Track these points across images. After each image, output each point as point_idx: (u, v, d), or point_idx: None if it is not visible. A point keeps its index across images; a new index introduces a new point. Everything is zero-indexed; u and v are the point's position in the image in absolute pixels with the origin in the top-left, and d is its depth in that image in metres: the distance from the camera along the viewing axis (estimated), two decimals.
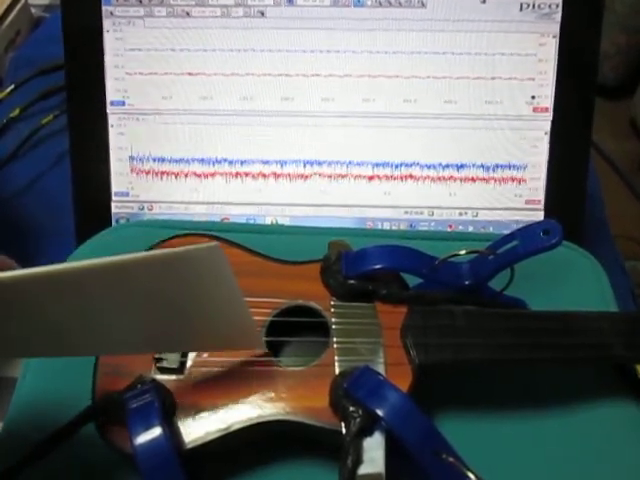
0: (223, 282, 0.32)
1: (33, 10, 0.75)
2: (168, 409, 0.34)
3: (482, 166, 0.50)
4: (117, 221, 0.52)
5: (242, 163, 0.51)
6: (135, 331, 0.33)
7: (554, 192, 0.50)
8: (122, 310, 0.31)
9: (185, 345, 0.37)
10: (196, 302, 0.33)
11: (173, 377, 0.37)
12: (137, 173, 0.51)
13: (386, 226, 0.51)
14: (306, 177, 0.51)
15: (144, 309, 0.32)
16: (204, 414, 0.35)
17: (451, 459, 0.32)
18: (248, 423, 0.35)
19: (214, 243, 0.30)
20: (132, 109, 0.51)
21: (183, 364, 0.37)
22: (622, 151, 1.34)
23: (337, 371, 0.36)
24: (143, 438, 0.32)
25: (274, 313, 0.40)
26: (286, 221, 0.51)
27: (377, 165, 0.50)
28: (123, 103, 0.51)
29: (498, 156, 0.50)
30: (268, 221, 0.51)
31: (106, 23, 0.50)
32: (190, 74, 0.50)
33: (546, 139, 0.50)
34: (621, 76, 1.51)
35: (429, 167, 0.50)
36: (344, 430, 0.34)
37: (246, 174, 0.51)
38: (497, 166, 0.50)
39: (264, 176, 0.51)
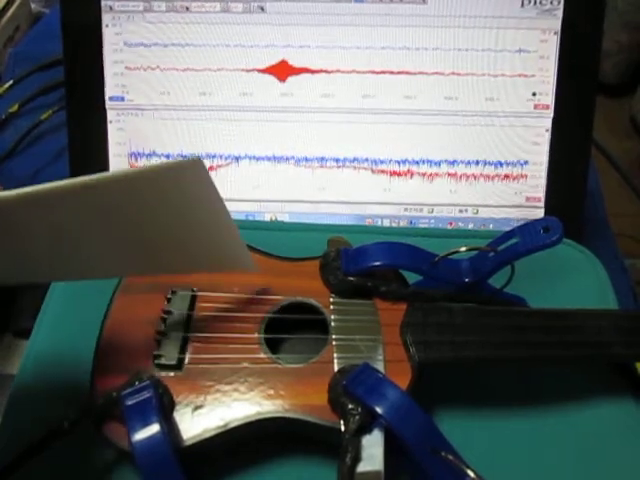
0: (208, 197, 0.31)
1: (32, 5, 0.75)
2: (166, 406, 0.34)
3: (482, 163, 0.50)
4: None
5: (241, 159, 0.51)
6: (121, 251, 0.32)
7: (555, 190, 0.50)
8: (106, 230, 0.30)
9: (173, 266, 0.36)
10: (181, 218, 0.32)
11: (171, 374, 0.36)
12: None
13: (386, 223, 0.51)
14: (305, 173, 0.51)
15: (129, 227, 0.31)
16: (202, 411, 0.35)
17: (450, 457, 0.32)
18: (246, 420, 0.34)
19: (196, 157, 0.30)
20: (131, 104, 0.50)
21: (181, 361, 0.37)
22: (622, 149, 1.34)
23: (336, 368, 0.36)
24: (141, 435, 0.32)
25: (273, 310, 0.40)
26: (285, 218, 0.51)
27: (377, 162, 0.50)
28: (122, 98, 0.50)
29: (499, 153, 0.50)
30: (267, 218, 0.51)
31: (105, 18, 0.50)
32: (189, 69, 0.50)
33: (547, 136, 0.50)
34: (622, 74, 1.51)
35: (429, 164, 0.50)
36: (343, 427, 0.33)
37: (245, 170, 0.51)
38: (498, 163, 0.50)
39: (263, 172, 0.51)
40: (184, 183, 0.30)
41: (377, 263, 0.40)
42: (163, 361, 0.37)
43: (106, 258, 0.33)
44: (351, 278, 0.40)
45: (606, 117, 1.32)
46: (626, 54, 1.47)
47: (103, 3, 0.49)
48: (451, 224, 0.51)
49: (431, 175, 0.50)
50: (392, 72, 0.49)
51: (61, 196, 0.28)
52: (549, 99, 0.49)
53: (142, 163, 0.51)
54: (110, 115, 0.51)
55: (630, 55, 1.48)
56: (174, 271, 0.38)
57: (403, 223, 0.51)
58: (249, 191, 0.51)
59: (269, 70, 0.50)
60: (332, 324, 0.39)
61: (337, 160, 0.50)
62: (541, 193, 0.50)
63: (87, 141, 0.51)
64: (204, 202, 0.32)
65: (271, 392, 0.36)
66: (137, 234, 0.32)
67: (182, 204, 0.31)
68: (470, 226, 0.51)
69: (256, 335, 0.38)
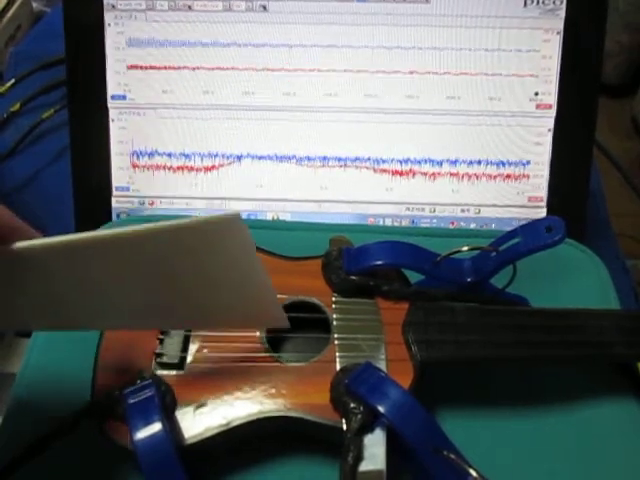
0: (245, 253, 0.31)
1: (34, 4, 0.75)
2: (168, 405, 0.34)
3: (485, 163, 0.50)
4: (118, 216, 0.52)
5: (243, 158, 0.51)
6: (154, 304, 0.33)
7: (557, 189, 0.50)
8: (139, 282, 0.31)
9: (205, 321, 0.36)
10: (217, 274, 0.32)
11: (173, 372, 0.36)
12: (138, 168, 0.51)
13: (388, 222, 0.51)
14: (308, 173, 0.51)
15: (162, 281, 0.31)
16: (204, 410, 0.35)
17: (452, 456, 0.32)
18: (248, 419, 0.34)
19: (235, 213, 0.29)
20: (133, 103, 0.50)
21: (183, 359, 0.37)
22: (624, 150, 1.34)
23: (338, 367, 0.36)
24: (143, 434, 0.32)
25: None
26: (287, 217, 0.51)
27: (379, 161, 0.50)
28: (124, 97, 0.50)
29: (501, 153, 0.50)
30: (269, 217, 0.51)
31: (107, 16, 0.50)
32: (191, 68, 0.50)
33: (549, 136, 0.50)
34: (623, 75, 1.51)
35: (431, 163, 0.50)
36: (345, 427, 0.33)
37: (247, 169, 0.51)
38: (500, 163, 0.50)
39: (265, 171, 0.51)
40: (222, 238, 0.30)
41: (379, 262, 0.40)
42: (165, 360, 0.37)
43: (137, 311, 0.33)
44: (353, 277, 0.40)
45: (607, 117, 1.32)
46: (627, 55, 1.47)
47: (105, 2, 0.49)
48: (453, 224, 0.51)
49: (433, 174, 0.50)
50: (394, 71, 0.49)
51: (94, 247, 0.28)
52: (552, 99, 0.49)
53: (144, 162, 0.51)
54: (112, 114, 0.51)
55: (631, 56, 1.48)
56: (203, 326, 0.38)
57: (405, 222, 0.51)
58: (251, 190, 0.51)
59: (271, 69, 0.50)
60: (334, 323, 0.39)
61: (339, 159, 0.50)
62: (543, 193, 0.50)
63: (89, 140, 0.51)
64: (240, 258, 0.32)
65: (273, 391, 0.35)
66: (170, 288, 0.32)
67: (218, 259, 0.31)
68: (472, 226, 0.51)
69: (258, 334, 0.38)
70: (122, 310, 0.33)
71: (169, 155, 0.51)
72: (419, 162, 0.50)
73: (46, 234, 0.30)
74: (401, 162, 0.50)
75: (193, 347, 0.38)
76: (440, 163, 0.50)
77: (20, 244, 0.28)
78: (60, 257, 0.29)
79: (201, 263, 0.31)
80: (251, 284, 0.33)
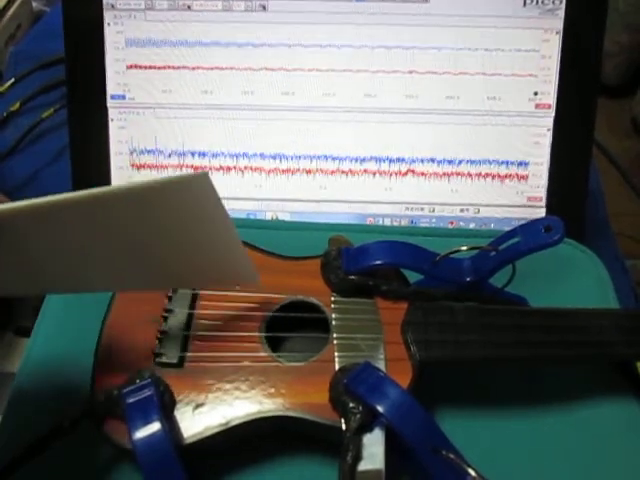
0: (214, 211, 0.32)
1: (34, 4, 0.75)
2: (167, 404, 0.34)
3: (484, 162, 0.50)
4: None
5: (242, 158, 0.51)
6: (123, 265, 0.33)
7: (556, 189, 0.50)
8: (109, 243, 0.31)
9: (176, 280, 0.36)
10: (186, 233, 0.32)
11: (172, 372, 0.36)
12: (137, 167, 0.51)
13: (387, 222, 0.51)
14: (307, 172, 0.51)
15: (133, 240, 0.31)
16: (203, 409, 0.35)
17: (451, 455, 0.32)
18: (247, 419, 0.34)
19: (204, 172, 0.30)
20: (132, 103, 0.50)
21: (182, 359, 0.37)
22: (623, 149, 1.34)
23: (337, 367, 0.36)
24: (142, 433, 0.32)
25: (274, 309, 0.40)
26: (286, 217, 0.51)
27: (378, 161, 0.50)
28: (123, 97, 0.50)
29: (500, 152, 0.50)
30: (268, 216, 0.51)
31: (107, 16, 0.50)
32: (191, 68, 0.50)
33: (548, 136, 0.50)
34: (623, 75, 1.51)
35: (431, 163, 0.50)
36: (344, 426, 0.33)
37: (246, 169, 0.51)
38: (499, 162, 0.50)
39: (264, 171, 0.51)
40: (190, 197, 0.30)
41: (378, 262, 0.40)
42: (164, 359, 0.37)
43: (109, 272, 0.33)
44: (352, 277, 0.40)
45: (607, 117, 1.32)
46: (627, 55, 1.47)
47: (105, 1, 0.49)
48: (452, 223, 0.51)
49: (432, 174, 0.50)
50: (394, 71, 0.49)
51: (64, 209, 0.28)
52: (551, 98, 0.49)
53: (143, 161, 0.51)
54: (111, 113, 0.51)
55: (631, 56, 1.48)
56: (177, 285, 0.38)
57: (404, 222, 0.51)
58: (250, 190, 0.51)
59: (270, 69, 0.50)
60: (333, 323, 0.39)
61: (338, 159, 0.50)
62: (542, 193, 0.50)
63: (88, 139, 0.51)
64: (210, 216, 0.32)
65: (272, 391, 0.36)
66: (141, 247, 0.32)
67: (187, 218, 0.31)
68: (471, 225, 0.51)
69: (257, 334, 0.38)
70: (95, 273, 0.33)
71: (168, 154, 0.51)
72: (418, 162, 0.50)
73: None
74: (400, 162, 0.50)
75: (192, 347, 0.38)
76: (439, 163, 0.50)
77: None
78: (29, 220, 0.28)
79: (171, 221, 0.31)
80: (221, 242, 0.33)
